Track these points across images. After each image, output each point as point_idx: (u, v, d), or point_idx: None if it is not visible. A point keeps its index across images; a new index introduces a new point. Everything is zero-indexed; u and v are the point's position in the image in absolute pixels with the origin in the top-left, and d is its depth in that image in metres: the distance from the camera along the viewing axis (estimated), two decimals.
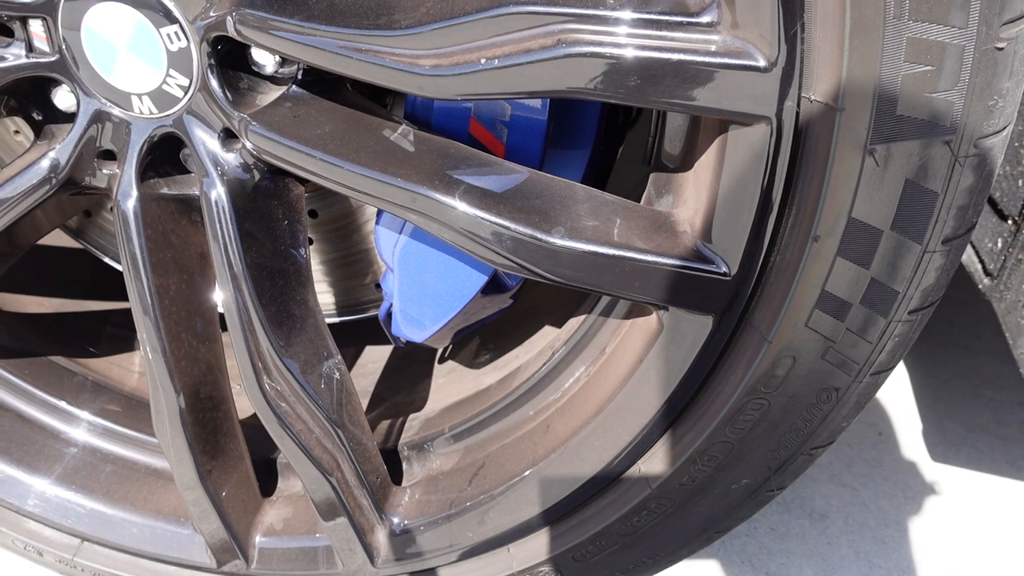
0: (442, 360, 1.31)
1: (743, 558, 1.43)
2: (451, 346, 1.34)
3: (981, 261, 1.20)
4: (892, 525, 1.49)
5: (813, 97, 0.65)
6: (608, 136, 0.97)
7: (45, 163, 0.95)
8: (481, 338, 1.31)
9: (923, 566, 1.43)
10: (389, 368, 1.35)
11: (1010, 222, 1.14)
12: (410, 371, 1.32)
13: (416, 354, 1.33)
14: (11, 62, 0.89)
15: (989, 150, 0.66)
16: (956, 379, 1.80)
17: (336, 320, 1.39)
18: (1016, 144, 1.12)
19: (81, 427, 1.21)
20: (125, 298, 0.98)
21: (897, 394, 1.76)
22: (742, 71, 0.64)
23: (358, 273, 1.28)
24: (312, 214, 1.18)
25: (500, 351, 1.23)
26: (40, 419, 1.19)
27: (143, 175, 0.94)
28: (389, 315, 1.04)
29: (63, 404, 1.20)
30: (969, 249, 1.23)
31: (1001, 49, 0.61)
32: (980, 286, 1.20)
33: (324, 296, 1.37)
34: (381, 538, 1.04)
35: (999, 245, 1.16)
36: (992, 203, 1.18)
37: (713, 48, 0.65)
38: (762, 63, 0.64)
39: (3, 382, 1.18)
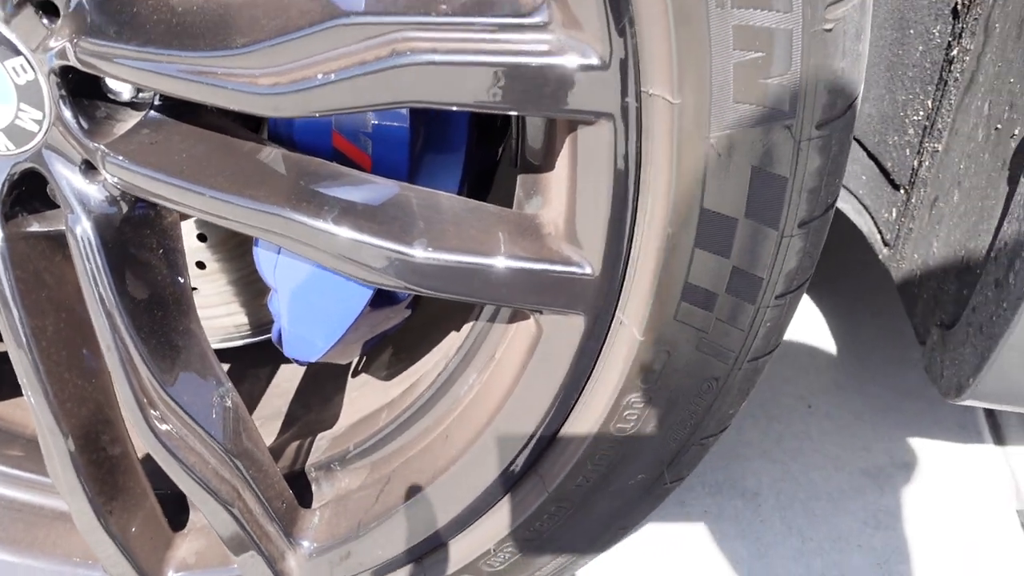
0: (356, 373, 1.29)
1: (676, 543, 1.43)
2: (364, 358, 1.32)
3: (879, 231, 1.21)
4: (823, 497, 1.50)
5: (652, 91, 0.64)
6: (484, 137, 0.96)
7: None
8: (393, 347, 1.29)
9: (853, 535, 1.44)
10: (304, 386, 1.33)
11: (902, 191, 1.15)
12: (324, 387, 1.30)
13: (330, 369, 1.31)
14: None
15: (833, 131, 0.66)
16: (883, 345, 1.81)
17: (251, 340, 1.36)
18: (901, 114, 1.13)
19: None
20: None
21: (824, 364, 1.77)
22: (578, 70, 0.63)
23: (267, 290, 1.25)
24: (201, 238, 1.15)
25: (410, 360, 1.21)
26: None
27: (8, 213, 0.90)
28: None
29: None
30: (868, 219, 1.24)
31: (829, 31, 0.61)
32: (880, 256, 1.20)
33: (237, 317, 1.35)
34: (292, 563, 1.02)
35: (893, 215, 1.17)
36: (885, 173, 1.19)
37: (547, 48, 0.63)
38: (596, 60, 0.63)
39: None
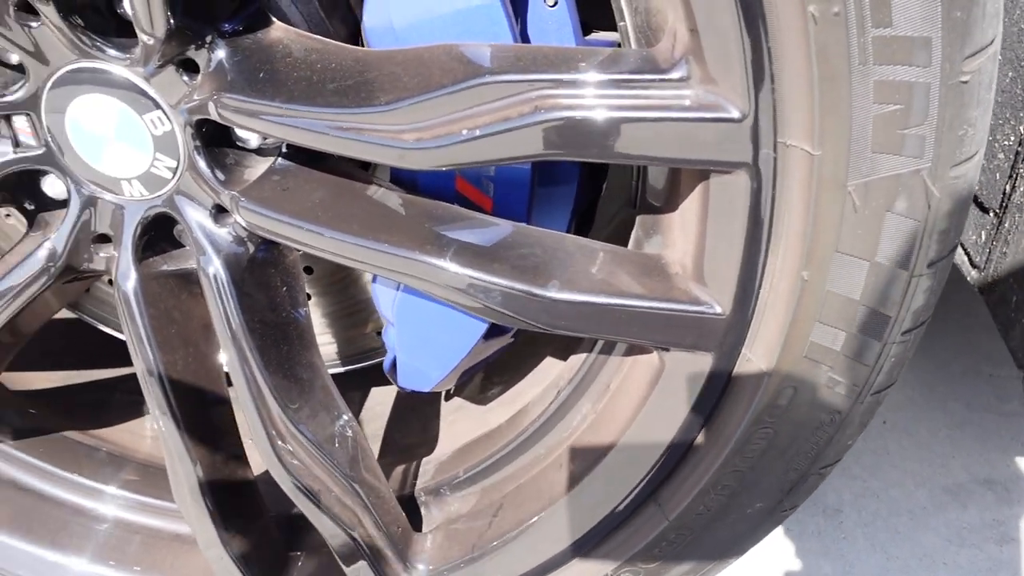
0: (449, 397, 1.33)
1: (761, 560, 1.45)
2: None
3: (967, 253, 1.22)
4: (904, 514, 1.51)
5: (790, 142, 0.66)
6: (591, 170, 0.99)
7: (42, 253, 0.96)
8: (486, 371, 1.32)
9: (938, 552, 1.45)
10: (397, 409, 1.36)
11: (992, 215, 1.16)
12: (419, 410, 1.33)
13: (422, 393, 1.35)
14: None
15: (964, 175, 0.68)
16: (956, 359, 1.82)
17: (341, 370, 1.40)
18: (990, 138, 1.14)
19: (106, 501, 1.23)
20: (130, 364, 0.99)
21: (899, 381, 1.77)
22: (717, 123, 0.66)
23: (360, 323, 1.29)
24: (307, 271, 1.19)
25: (506, 385, 1.24)
26: (63, 497, 1.21)
27: (140, 255, 0.95)
28: (394, 366, 1.06)
29: (82, 479, 1.22)
30: None
31: (966, 82, 0.63)
32: (968, 278, 1.21)
33: (329, 347, 1.38)
34: None
35: (983, 238, 1.18)
36: (974, 196, 1.20)
37: (687, 103, 0.66)
38: (736, 114, 0.65)
39: (21, 463, 1.20)
